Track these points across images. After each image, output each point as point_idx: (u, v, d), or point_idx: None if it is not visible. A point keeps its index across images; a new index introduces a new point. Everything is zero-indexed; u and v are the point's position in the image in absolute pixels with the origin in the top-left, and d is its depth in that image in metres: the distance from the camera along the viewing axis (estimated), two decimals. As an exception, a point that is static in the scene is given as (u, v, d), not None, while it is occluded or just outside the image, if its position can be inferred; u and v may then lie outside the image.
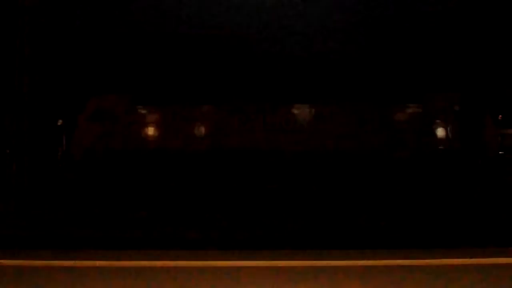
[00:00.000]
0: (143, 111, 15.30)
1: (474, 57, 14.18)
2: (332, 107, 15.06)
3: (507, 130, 16.50)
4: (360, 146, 14.66)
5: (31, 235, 8.01)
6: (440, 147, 14.62)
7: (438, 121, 14.76)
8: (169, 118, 15.14)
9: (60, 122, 15.96)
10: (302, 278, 5.78)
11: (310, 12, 15.29)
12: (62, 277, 5.89)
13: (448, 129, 14.65)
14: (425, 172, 14.13)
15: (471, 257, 6.61)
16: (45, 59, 11.93)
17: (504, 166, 14.61)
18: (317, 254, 6.93)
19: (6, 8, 11.81)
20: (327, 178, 14.01)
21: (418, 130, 14.73)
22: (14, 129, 11.24)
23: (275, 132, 14.92)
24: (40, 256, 6.79)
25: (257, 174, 14.25)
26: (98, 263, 6.47)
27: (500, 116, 16.57)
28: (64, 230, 8.32)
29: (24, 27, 11.18)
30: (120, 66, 16.08)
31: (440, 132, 14.71)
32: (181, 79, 15.88)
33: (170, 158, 14.70)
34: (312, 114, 15.05)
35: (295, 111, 15.10)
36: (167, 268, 6.28)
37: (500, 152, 14.91)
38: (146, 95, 15.43)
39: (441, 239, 7.72)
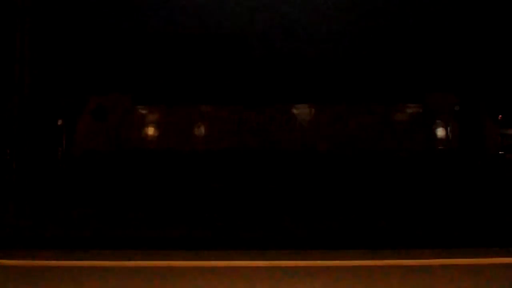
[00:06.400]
0: (143, 111, 15.30)
1: (474, 57, 14.17)
2: (331, 107, 15.06)
3: (507, 130, 16.48)
4: (360, 146, 14.65)
5: (31, 235, 8.01)
6: (440, 147, 14.62)
7: (438, 121, 14.74)
8: (169, 118, 15.14)
9: (60, 122, 15.94)
10: (302, 278, 5.78)
11: (308, 11, 15.27)
12: (62, 277, 5.89)
13: (448, 129, 14.64)
14: (425, 172, 14.13)
15: (471, 257, 6.61)
16: (45, 59, 11.93)
17: (504, 166, 14.60)
18: (317, 254, 6.93)
19: (6, 8, 11.81)
20: (326, 178, 14.01)
21: (418, 130, 14.72)
22: (14, 128, 11.24)
23: (275, 132, 14.92)
24: (40, 256, 6.79)
25: (257, 173, 14.25)
26: (98, 263, 6.47)
27: (500, 116, 16.56)
28: (64, 230, 8.32)
29: (24, 27, 11.19)
30: (121, 65, 16.07)
31: (440, 132, 14.70)
32: (181, 79, 15.87)
33: (171, 158, 14.70)
34: (311, 114, 15.05)
35: (294, 111, 15.10)
36: (167, 268, 6.28)
37: (500, 152, 14.90)
38: (146, 95, 15.42)
39: (442, 239, 7.72)
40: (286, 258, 6.68)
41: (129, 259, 6.62)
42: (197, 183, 13.77)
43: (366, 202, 11.14)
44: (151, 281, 5.68)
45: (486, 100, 14.82)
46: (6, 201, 10.64)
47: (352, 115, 14.91)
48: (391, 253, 6.93)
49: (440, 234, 8.00)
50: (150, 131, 15.17)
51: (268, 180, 13.91)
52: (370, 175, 14.08)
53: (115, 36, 16.25)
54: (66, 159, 15.31)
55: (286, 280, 5.72)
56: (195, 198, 11.86)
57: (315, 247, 7.39)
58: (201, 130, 15.12)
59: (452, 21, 14.80)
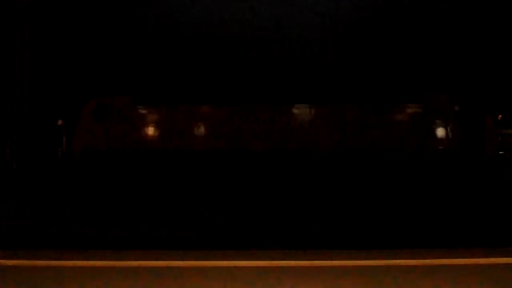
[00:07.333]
0: (143, 111, 15.30)
1: (474, 57, 14.17)
2: (331, 107, 15.05)
3: (507, 130, 16.48)
4: (360, 146, 14.65)
5: (31, 235, 8.02)
6: (440, 147, 14.62)
7: (438, 121, 14.74)
8: (169, 118, 15.14)
9: (60, 122, 15.94)
10: (302, 278, 5.77)
11: (307, 11, 15.27)
12: (62, 277, 5.89)
13: (448, 129, 14.64)
14: (424, 172, 14.13)
15: (471, 257, 6.61)
16: (45, 59, 11.94)
17: (504, 166, 14.61)
18: (317, 254, 6.93)
19: (6, 9, 11.81)
20: (326, 178, 14.01)
21: (418, 130, 14.72)
22: (14, 128, 11.25)
23: (275, 132, 14.92)
24: (40, 256, 6.79)
25: (257, 174, 14.25)
26: (98, 263, 6.47)
27: (500, 116, 16.56)
28: (64, 230, 8.32)
29: (23, 27, 11.19)
30: (120, 66, 16.07)
31: (440, 132, 14.70)
32: (181, 79, 15.87)
33: (170, 159, 14.70)
34: (310, 114, 15.04)
35: (294, 111, 15.09)
36: (167, 268, 6.28)
37: (500, 152, 14.90)
38: (146, 95, 15.42)
39: (441, 239, 7.72)
40: (286, 258, 6.68)
41: (129, 259, 6.61)
42: (197, 183, 13.77)
43: (366, 202, 11.14)
44: (151, 281, 5.68)
45: (486, 100, 14.82)
46: (6, 201, 10.64)
47: (351, 115, 14.90)
48: (391, 253, 6.93)
49: (440, 234, 8.00)
50: (150, 131, 15.17)
51: (268, 180, 13.91)
52: (370, 175, 14.08)
53: (115, 36, 16.25)
54: (66, 159, 15.31)
55: (286, 280, 5.72)
56: (195, 198, 11.86)
57: (315, 247, 7.39)
58: (201, 130, 15.12)
59: (452, 21, 14.80)
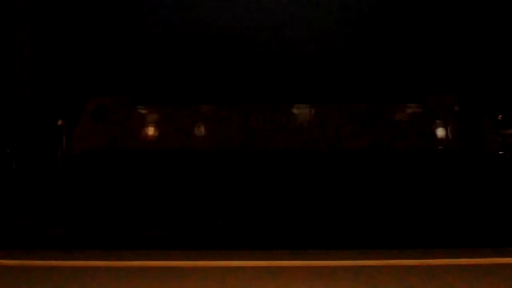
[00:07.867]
0: (143, 111, 15.30)
1: (473, 57, 14.18)
2: (331, 107, 15.05)
3: (507, 130, 16.48)
4: (360, 146, 14.65)
5: (31, 235, 8.03)
6: (440, 147, 14.62)
7: (438, 121, 14.75)
8: (169, 118, 15.14)
9: (60, 122, 15.94)
10: (302, 278, 5.78)
11: (307, 11, 15.28)
12: (62, 277, 5.89)
13: (448, 129, 14.64)
14: (424, 173, 14.13)
15: (471, 257, 6.61)
16: (45, 59, 11.94)
17: (504, 166, 14.61)
18: (317, 254, 6.93)
19: (6, 9, 11.82)
20: (326, 178, 14.01)
21: (417, 130, 14.73)
22: (15, 129, 11.25)
23: (275, 132, 14.92)
24: (40, 256, 6.79)
25: (257, 174, 14.25)
26: (98, 263, 6.47)
27: (500, 116, 16.56)
28: (64, 230, 8.33)
29: (24, 27, 11.19)
30: (120, 65, 16.07)
31: (440, 132, 14.71)
32: (181, 78, 15.88)
33: (170, 158, 14.70)
34: (310, 114, 15.04)
35: (294, 111, 15.10)
36: (167, 268, 6.28)
37: (500, 152, 14.90)
38: (146, 95, 15.42)
39: (441, 239, 7.73)
40: (286, 258, 6.68)
41: (129, 259, 6.62)
42: (197, 183, 13.77)
43: (366, 202, 11.15)
44: (151, 281, 5.68)
45: (486, 100, 14.82)
46: (6, 201, 10.65)
47: (352, 115, 14.90)
48: (391, 253, 6.94)
49: (440, 234, 8.01)
50: (150, 131, 15.17)
51: (268, 180, 13.91)
52: (370, 175, 14.08)
53: (114, 36, 16.25)
54: (66, 159, 15.31)
55: (285, 280, 5.72)
56: (195, 198, 11.86)
57: (315, 247, 7.40)
58: (201, 130, 15.12)
59: (452, 21, 14.81)
